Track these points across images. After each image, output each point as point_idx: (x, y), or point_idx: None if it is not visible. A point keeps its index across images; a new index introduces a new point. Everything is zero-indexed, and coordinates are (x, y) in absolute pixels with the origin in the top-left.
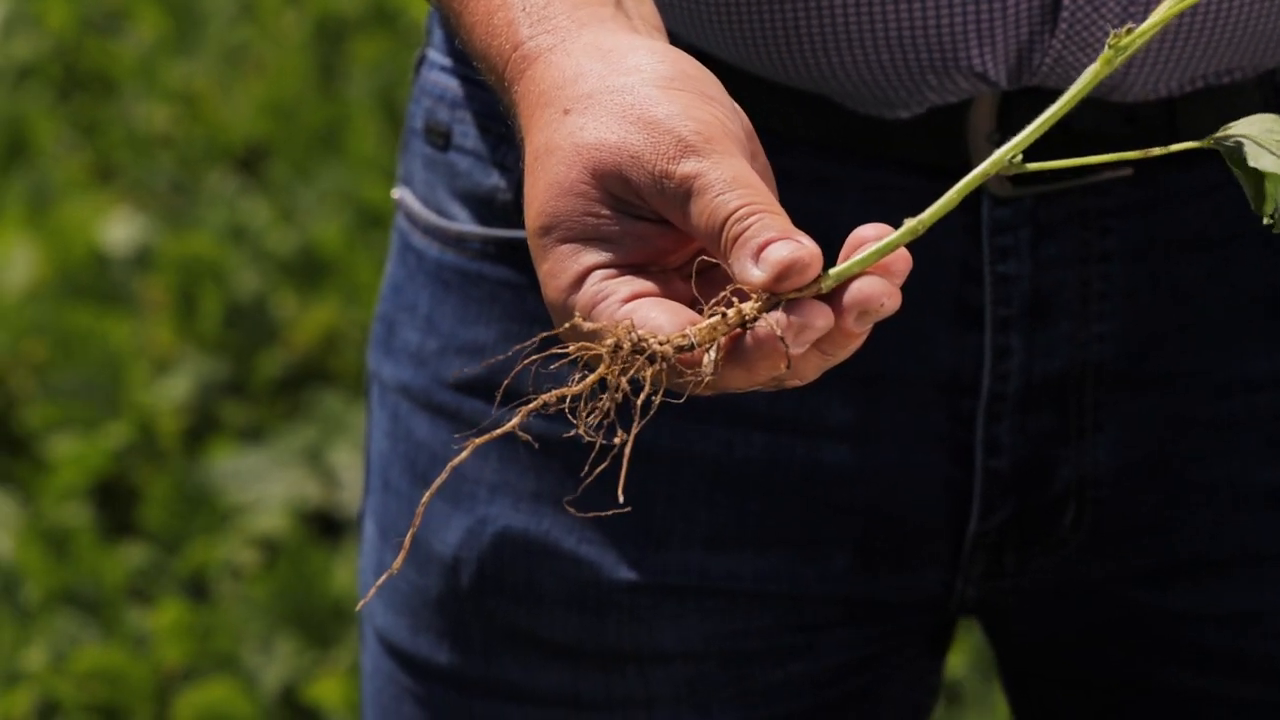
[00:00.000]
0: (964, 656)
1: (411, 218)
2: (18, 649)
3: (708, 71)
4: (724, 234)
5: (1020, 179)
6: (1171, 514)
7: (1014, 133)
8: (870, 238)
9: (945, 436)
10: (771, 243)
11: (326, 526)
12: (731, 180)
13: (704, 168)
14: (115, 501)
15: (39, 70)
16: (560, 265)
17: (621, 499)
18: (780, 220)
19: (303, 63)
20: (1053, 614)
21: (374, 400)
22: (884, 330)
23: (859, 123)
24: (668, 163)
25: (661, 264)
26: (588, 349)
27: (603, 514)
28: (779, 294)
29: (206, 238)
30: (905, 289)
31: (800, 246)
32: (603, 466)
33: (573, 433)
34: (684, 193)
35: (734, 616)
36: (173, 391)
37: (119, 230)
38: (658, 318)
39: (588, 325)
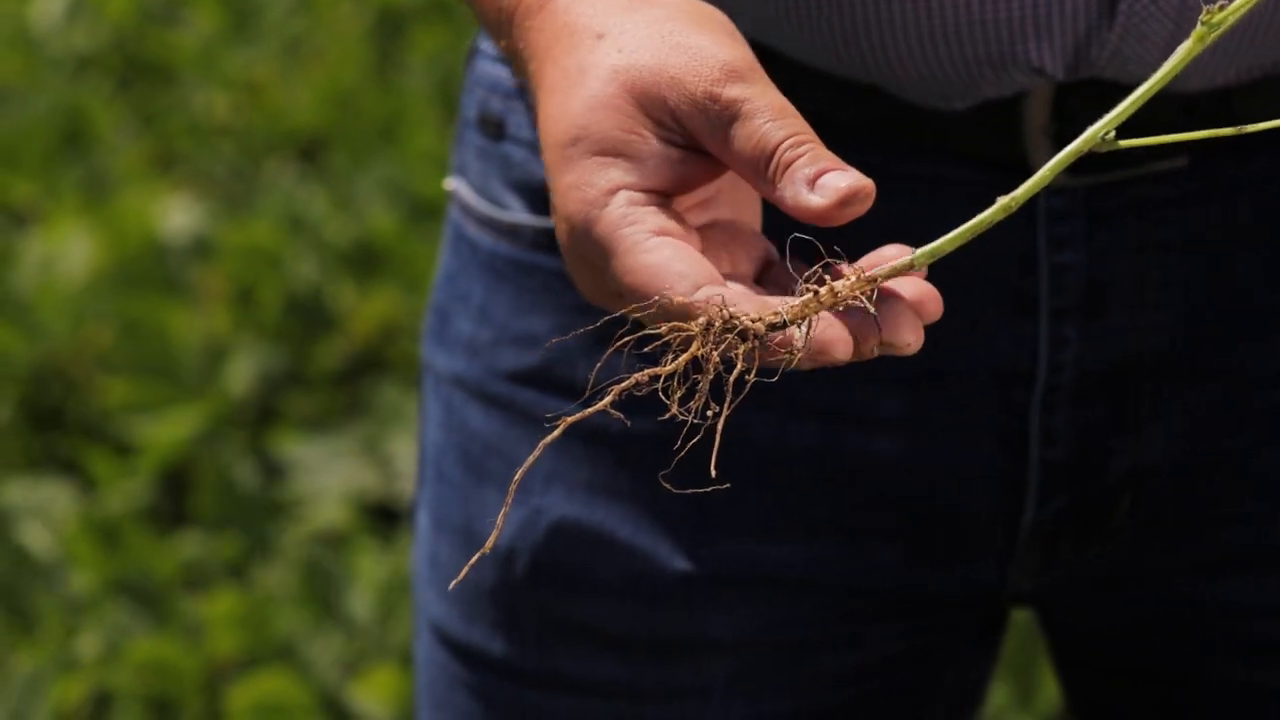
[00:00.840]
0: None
1: (465, 208)
2: (71, 639)
3: (730, 21)
4: (774, 159)
5: (1073, 168)
6: (1225, 506)
7: (1069, 124)
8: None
9: (999, 427)
10: (828, 171)
11: (384, 516)
12: (781, 109)
13: (752, 93)
14: (174, 490)
15: (99, 60)
16: (586, 178)
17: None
18: (830, 153)
19: (362, 53)
20: (1105, 605)
21: (428, 391)
22: (941, 322)
23: (912, 114)
24: (712, 85)
25: (682, 193)
26: (681, 329)
27: (699, 490)
28: (871, 280)
29: (265, 227)
30: (963, 280)
31: (860, 176)
32: (693, 445)
33: (668, 416)
34: (730, 116)
35: (785, 606)
36: (232, 381)
37: (178, 219)
38: (744, 305)
39: (677, 299)
